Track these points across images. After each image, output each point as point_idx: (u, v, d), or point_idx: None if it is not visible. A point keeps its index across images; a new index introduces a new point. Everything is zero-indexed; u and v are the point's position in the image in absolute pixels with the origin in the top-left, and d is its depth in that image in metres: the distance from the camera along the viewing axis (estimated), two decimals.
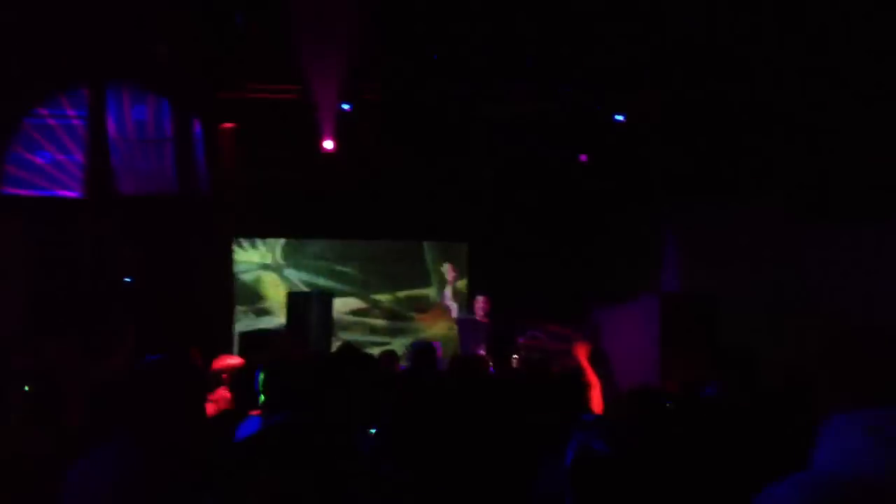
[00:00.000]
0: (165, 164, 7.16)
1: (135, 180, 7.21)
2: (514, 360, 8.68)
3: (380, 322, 11.93)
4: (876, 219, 7.32)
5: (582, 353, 7.40)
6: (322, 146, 8.43)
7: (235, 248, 10.96)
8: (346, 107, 7.75)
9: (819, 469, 1.79)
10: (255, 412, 4.03)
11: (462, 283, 11.87)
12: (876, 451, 1.72)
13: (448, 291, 9.45)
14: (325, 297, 10.29)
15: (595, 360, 9.77)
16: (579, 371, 6.84)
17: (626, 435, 4.07)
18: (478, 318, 9.23)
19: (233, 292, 10.58)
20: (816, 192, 7.62)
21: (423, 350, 5.81)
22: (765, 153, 8.29)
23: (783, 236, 8.50)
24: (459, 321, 9.77)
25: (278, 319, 10.92)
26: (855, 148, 7.25)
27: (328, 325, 9.94)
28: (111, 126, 6.97)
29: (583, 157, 9.26)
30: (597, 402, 6.79)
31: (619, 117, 8.17)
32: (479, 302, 9.24)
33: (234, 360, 6.36)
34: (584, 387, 4.35)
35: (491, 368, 6.26)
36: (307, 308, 9.69)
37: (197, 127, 7.16)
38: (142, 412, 2.94)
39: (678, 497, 3.18)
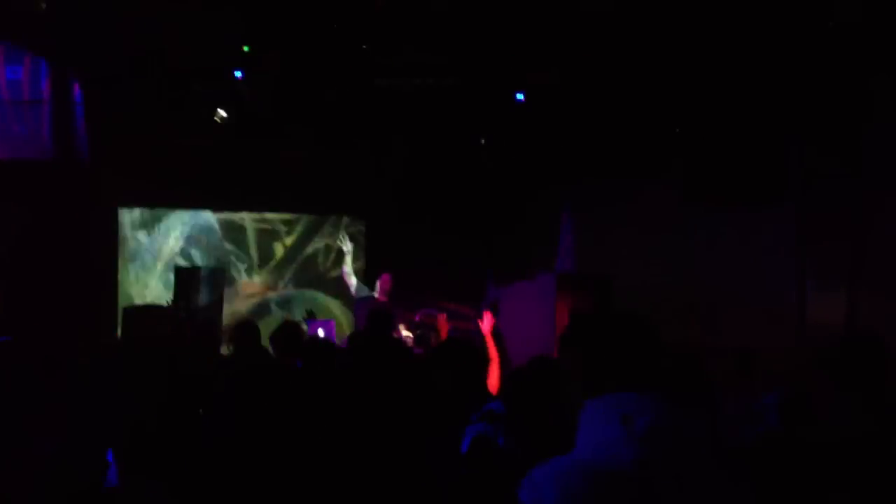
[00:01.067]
0: (42, 128, 6.71)
1: (9, 144, 6.73)
2: (408, 339, 8.63)
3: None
4: (760, 203, 7.53)
5: (487, 326, 7.37)
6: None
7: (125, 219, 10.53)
8: (238, 74, 7.45)
9: (578, 455, 1.79)
10: None
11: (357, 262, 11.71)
12: (628, 441, 1.72)
13: (347, 267, 9.29)
14: (217, 271, 9.96)
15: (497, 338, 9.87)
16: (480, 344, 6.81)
17: (526, 428, 4.02)
18: (377, 296, 9.10)
19: (115, 266, 10.11)
20: (706, 175, 7.77)
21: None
22: (660, 135, 8.42)
23: (674, 218, 8.67)
24: (357, 301, 9.62)
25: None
26: (739, 132, 7.43)
27: (218, 301, 9.62)
28: None
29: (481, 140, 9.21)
30: (494, 378, 6.78)
31: (520, 96, 8.13)
32: (383, 279, 9.11)
33: None
34: (481, 358, 4.25)
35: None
36: (194, 283, 9.36)
37: (76, 89, 6.73)
38: None
39: None
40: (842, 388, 3.21)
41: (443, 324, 7.51)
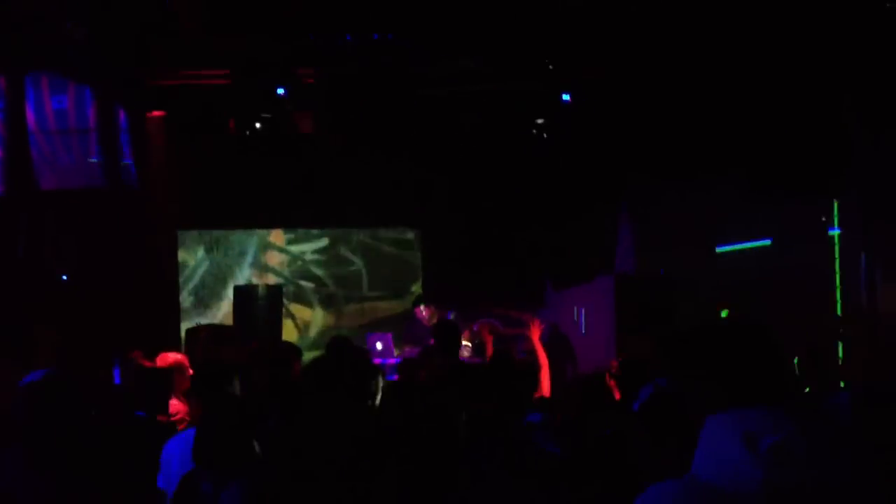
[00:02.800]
0: (90, 157, 6.80)
1: (56, 174, 6.84)
2: (465, 349, 8.53)
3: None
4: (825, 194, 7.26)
5: (535, 334, 7.26)
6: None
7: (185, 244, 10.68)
8: (280, 91, 7.45)
9: (698, 475, 1.70)
10: None
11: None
12: (751, 462, 1.62)
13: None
14: (274, 289, 10.02)
15: (555, 343, 9.73)
16: (531, 356, 6.69)
17: (575, 434, 3.89)
18: (421, 319, 9.10)
19: (177, 288, 10.25)
20: (769, 167, 7.51)
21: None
22: (720, 129, 8.15)
23: (737, 214, 8.40)
24: (407, 323, 9.66)
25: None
26: (800, 123, 7.17)
27: (277, 319, 9.67)
28: (30, 117, 6.58)
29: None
30: (545, 385, 6.63)
31: (566, 97, 7.96)
32: (423, 312, 9.13)
33: (174, 357, 6.07)
34: (527, 375, 4.14)
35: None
36: (254, 302, 9.43)
37: (122, 115, 6.81)
38: (26, 429, 2.87)
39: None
40: None
41: (486, 336, 7.39)
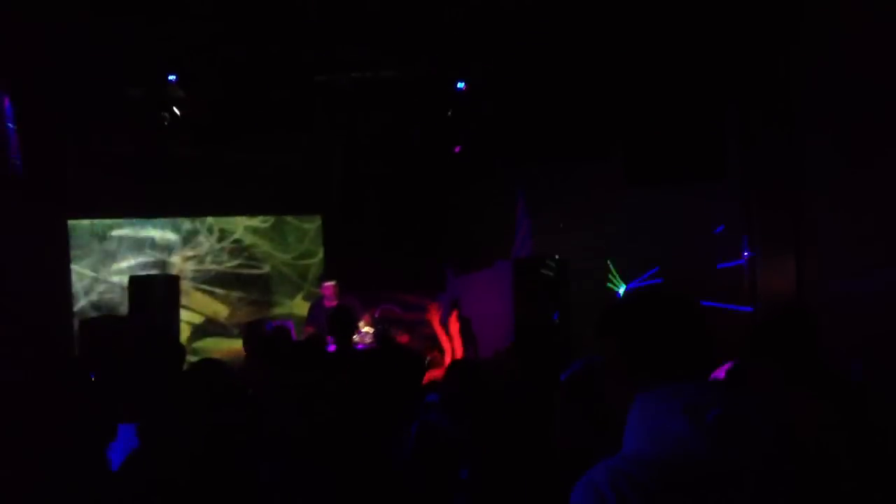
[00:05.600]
0: None
1: None
2: (367, 335, 8.62)
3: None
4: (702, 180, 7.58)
5: (435, 319, 7.44)
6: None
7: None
8: (171, 78, 7.34)
9: (639, 451, 1.64)
10: None
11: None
12: (697, 434, 1.58)
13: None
14: (171, 279, 9.88)
15: (460, 327, 9.92)
16: (428, 343, 6.87)
17: (466, 410, 4.03)
18: (325, 304, 9.10)
19: (69, 279, 9.98)
20: (645, 155, 7.80)
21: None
22: (601, 115, 8.42)
23: (619, 199, 8.71)
24: (312, 304, 9.65)
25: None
26: (676, 110, 7.47)
27: (174, 309, 9.53)
28: None
29: (456, 149, 9.22)
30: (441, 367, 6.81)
31: (461, 85, 8.10)
32: (327, 289, 9.14)
33: None
34: (415, 358, 4.28)
35: (331, 346, 6.11)
36: (150, 292, 9.27)
37: (7, 104, 6.58)
38: None
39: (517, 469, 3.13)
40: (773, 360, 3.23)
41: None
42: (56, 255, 9.26)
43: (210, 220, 11.30)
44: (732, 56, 7.03)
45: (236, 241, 11.38)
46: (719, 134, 7.36)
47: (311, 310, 9.46)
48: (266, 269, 11.44)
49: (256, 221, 11.46)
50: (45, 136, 7.28)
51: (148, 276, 10.28)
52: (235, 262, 11.38)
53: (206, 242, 11.33)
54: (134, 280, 9.53)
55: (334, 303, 8.95)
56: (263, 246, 11.44)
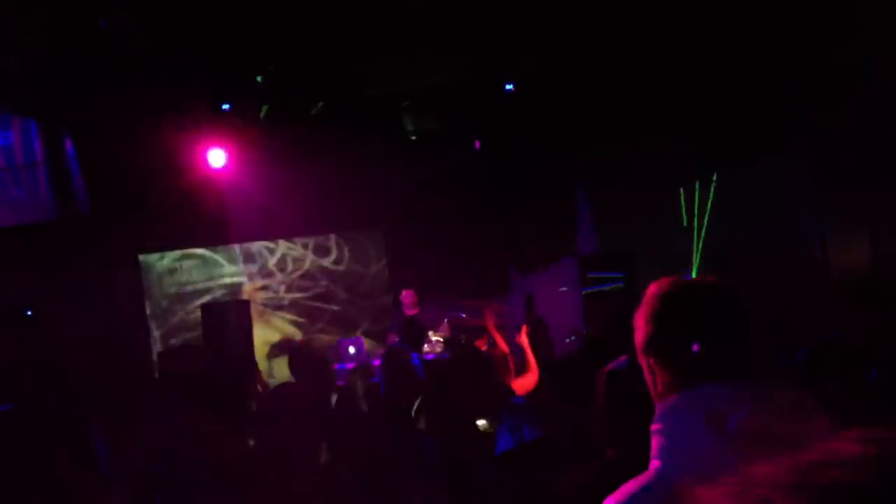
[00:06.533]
0: (40, 190, 6.75)
1: (9, 210, 6.77)
2: (436, 344, 8.59)
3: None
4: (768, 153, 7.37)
5: (489, 321, 7.34)
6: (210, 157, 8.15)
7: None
8: (225, 107, 7.43)
9: (661, 472, 1.47)
10: None
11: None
12: (721, 446, 1.39)
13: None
14: (241, 304, 10.01)
15: (533, 328, 9.80)
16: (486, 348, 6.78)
17: (551, 414, 3.97)
18: (406, 312, 9.07)
19: (143, 311, 10.21)
20: (711, 130, 7.61)
21: None
22: (664, 99, 8.25)
23: (686, 180, 8.52)
24: (391, 318, 9.63)
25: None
26: (741, 84, 7.27)
27: (247, 333, 9.66)
28: None
29: (476, 144, 9.12)
30: (532, 381, 6.73)
31: (509, 87, 8.01)
32: (405, 296, 9.09)
33: None
34: (484, 363, 4.22)
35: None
36: (223, 317, 9.42)
37: (69, 145, 6.75)
38: None
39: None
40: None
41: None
42: (130, 289, 9.49)
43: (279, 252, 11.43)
44: (799, 30, 6.81)
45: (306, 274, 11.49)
46: (784, 109, 7.15)
47: (392, 319, 9.40)
48: (335, 306, 11.49)
49: (328, 262, 11.54)
50: (108, 175, 7.46)
51: (219, 302, 10.42)
52: (306, 294, 11.48)
53: (278, 274, 11.47)
54: (205, 308, 9.69)
55: (414, 311, 8.93)
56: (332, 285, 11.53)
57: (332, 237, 11.57)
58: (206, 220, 10.17)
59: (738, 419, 1.40)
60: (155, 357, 10.10)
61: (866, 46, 6.43)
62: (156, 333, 10.87)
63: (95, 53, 6.40)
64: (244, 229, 10.79)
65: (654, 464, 1.50)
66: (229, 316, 9.49)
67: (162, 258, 11.04)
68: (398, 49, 7.48)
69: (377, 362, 7.83)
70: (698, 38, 7.38)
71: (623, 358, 4.20)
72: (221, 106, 7.41)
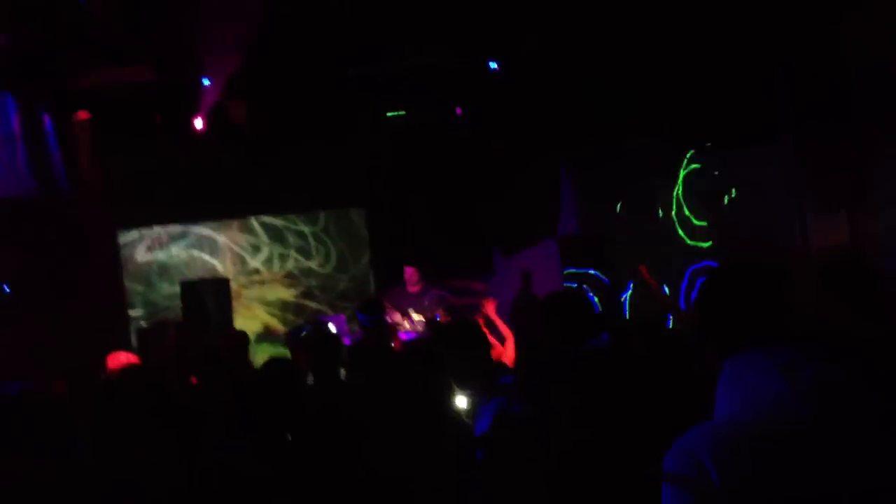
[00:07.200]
0: (18, 164, 6.68)
1: None
2: (418, 324, 8.61)
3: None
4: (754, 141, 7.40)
5: (491, 309, 7.40)
6: (193, 126, 8.06)
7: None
8: (206, 82, 7.38)
9: (733, 416, 1.61)
10: None
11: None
12: (796, 394, 1.54)
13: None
14: (221, 282, 9.98)
15: (529, 305, 9.86)
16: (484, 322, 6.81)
17: (542, 394, 3.96)
18: (410, 289, 9.03)
19: (122, 289, 10.15)
20: (695, 119, 7.63)
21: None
22: (649, 86, 8.25)
23: (669, 169, 8.55)
24: (390, 295, 9.54)
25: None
26: (725, 71, 7.28)
27: (227, 310, 9.64)
28: None
29: (458, 110, 9.08)
30: (509, 355, 6.76)
31: (493, 65, 7.98)
32: (408, 273, 9.05)
33: (126, 358, 6.04)
34: (480, 333, 4.18)
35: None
36: (202, 295, 9.38)
37: (47, 120, 6.68)
38: None
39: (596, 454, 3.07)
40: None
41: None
42: (108, 267, 9.42)
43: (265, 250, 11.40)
44: (784, 15, 6.80)
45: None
46: (771, 95, 7.16)
47: (392, 296, 9.11)
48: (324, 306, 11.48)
49: (314, 264, 11.51)
50: (87, 150, 7.39)
51: (198, 279, 10.36)
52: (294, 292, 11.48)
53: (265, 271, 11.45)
54: (185, 285, 9.64)
55: (417, 288, 8.90)
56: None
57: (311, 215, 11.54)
58: (187, 197, 10.10)
59: (810, 372, 1.56)
60: (133, 335, 10.06)
61: (851, 29, 6.45)
62: (134, 311, 10.82)
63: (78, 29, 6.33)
64: (227, 205, 10.72)
65: (721, 410, 1.65)
66: (209, 293, 9.47)
67: (140, 235, 10.97)
68: (384, 30, 7.44)
69: (348, 341, 7.86)
70: (683, 20, 7.37)
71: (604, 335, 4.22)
72: (202, 81, 7.35)
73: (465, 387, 3.80)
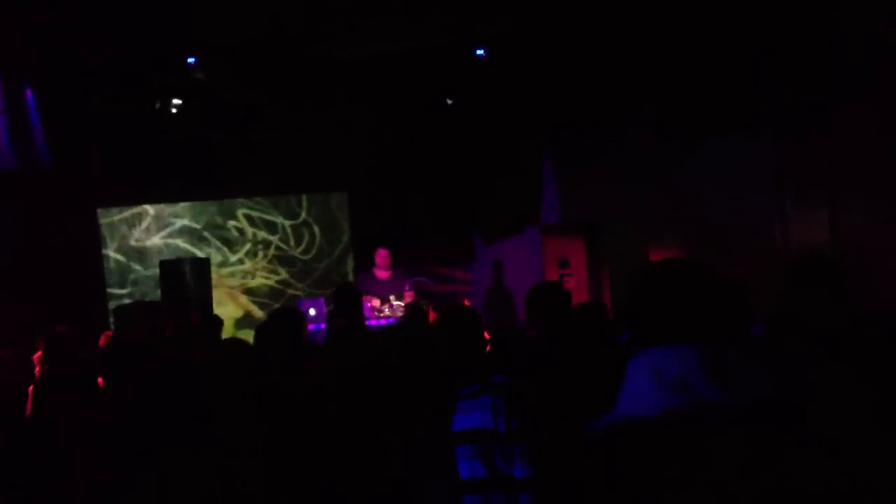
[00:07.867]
0: (0, 138, 6.60)
1: None
2: (397, 309, 8.61)
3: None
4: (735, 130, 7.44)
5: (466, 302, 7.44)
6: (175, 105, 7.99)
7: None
8: (191, 60, 7.31)
9: (619, 411, 1.87)
10: None
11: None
12: (659, 392, 1.78)
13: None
14: (201, 261, 9.92)
15: (500, 293, 9.89)
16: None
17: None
18: (378, 273, 9.00)
19: (101, 267, 10.08)
20: (679, 107, 7.65)
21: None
22: (631, 73, 8.26)
23: (653, 156, 8.56)
24: (358, 276, 9.51)
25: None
26: (707, 62, 7.31)
27: (206, 291, 9.58)
28: None
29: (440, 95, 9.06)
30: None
31: (480, 52, 7.97)
32: (379, 255, 9.01)
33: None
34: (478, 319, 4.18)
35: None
36: (181, 276, 9.32)
37: (29, 95, 6.60)
38: None
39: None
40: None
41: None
42: (87, 245, 9.35)
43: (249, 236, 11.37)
44: (765, 5, 6.84)
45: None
46: (750, 84, 7.20)
47: (361, 281, 9.08)
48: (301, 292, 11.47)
49: (297, 252, 11.49)
50: (69, 127, 7.31)
51: (178, 259, 10.30)
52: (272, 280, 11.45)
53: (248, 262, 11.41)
54: (164, 265, 9.58)
55: (387, 273, 8.87)
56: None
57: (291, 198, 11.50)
58: (167, 176, 10.03)
59: (671, 374, 1.78)
60: (111, 314, 10.00)
61: (836, 20, 6.49)
62: (112, 290, 10.75)
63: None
64: (208, 186, 10.67)
65: (618, 406, 1.88)
66: (189, 272, 9.41)
67: (121, 212, 10.89)
68: (368, 11, 7.40)
69: (322, 326, 7.86)
70: (666, 8, 7.40)
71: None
72: (187, 59, 7.28)
73: (458, 373, 3.76)
